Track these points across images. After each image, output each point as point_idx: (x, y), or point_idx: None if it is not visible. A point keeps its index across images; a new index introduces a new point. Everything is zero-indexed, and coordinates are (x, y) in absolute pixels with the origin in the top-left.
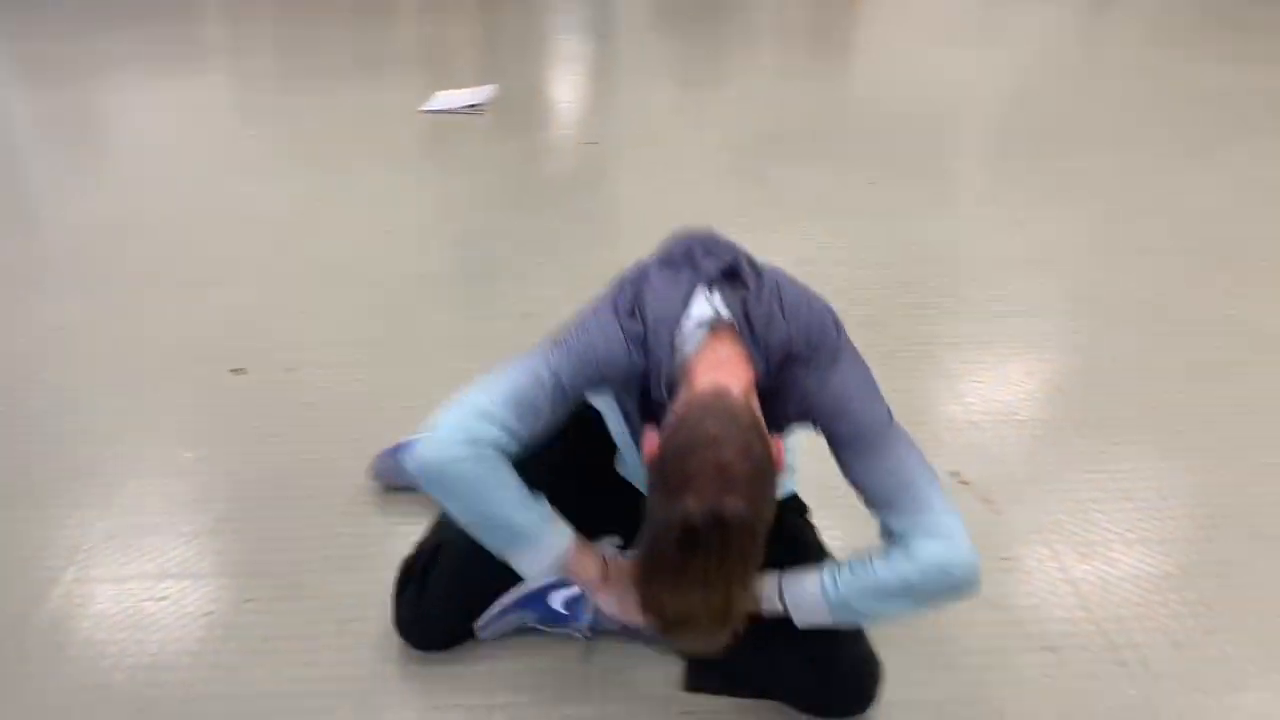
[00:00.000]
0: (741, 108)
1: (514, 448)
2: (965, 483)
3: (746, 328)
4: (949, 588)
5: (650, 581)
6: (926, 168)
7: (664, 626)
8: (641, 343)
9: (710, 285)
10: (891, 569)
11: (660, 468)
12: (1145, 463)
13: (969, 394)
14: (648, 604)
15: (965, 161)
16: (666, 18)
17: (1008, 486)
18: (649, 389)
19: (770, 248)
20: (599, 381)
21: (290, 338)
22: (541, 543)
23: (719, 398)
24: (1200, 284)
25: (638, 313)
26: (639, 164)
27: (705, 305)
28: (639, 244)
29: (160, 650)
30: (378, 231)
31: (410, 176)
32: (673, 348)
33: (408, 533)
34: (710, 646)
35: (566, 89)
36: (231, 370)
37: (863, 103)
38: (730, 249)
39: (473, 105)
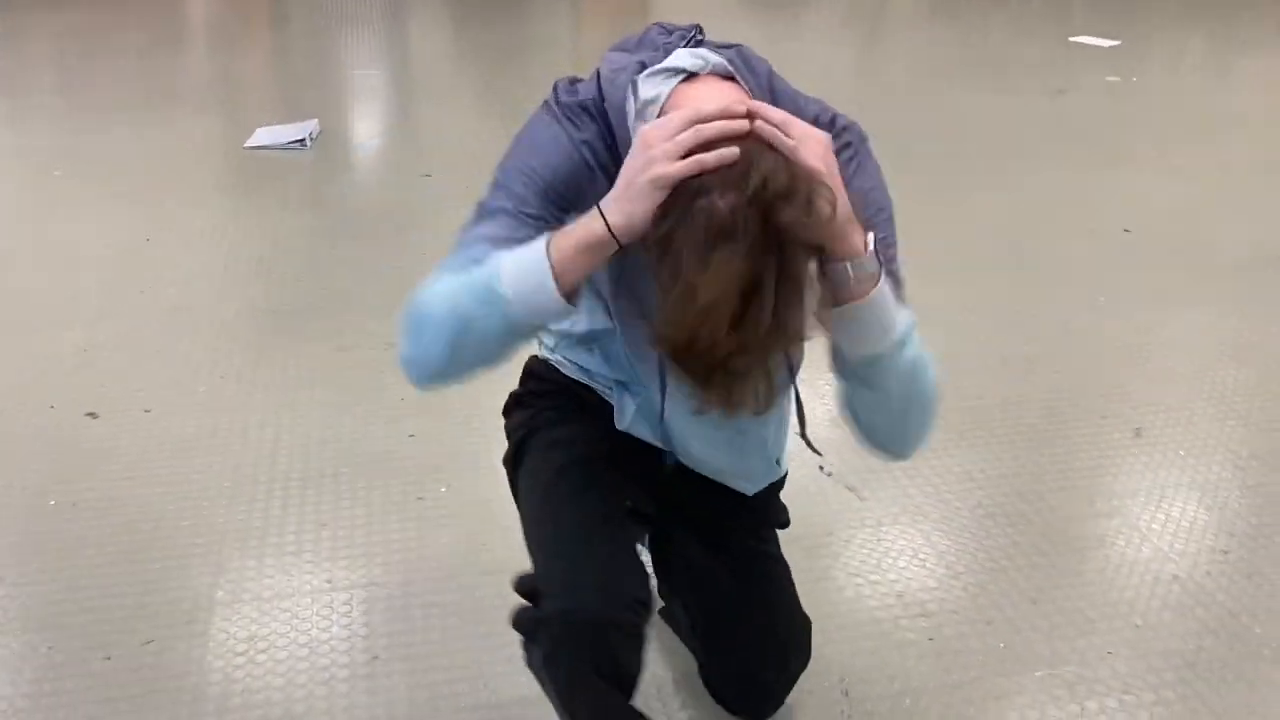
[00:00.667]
0: None
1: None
2: (829, 474)
3: (747, 72)
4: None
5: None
6: None
7: (675, 332)
8: (596, 137)
9: (685, 43)
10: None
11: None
12: (984, 449)
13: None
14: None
15: None
16: (466, 52)
17: (869, 476)
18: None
19: None
20: (553, 201)
21: (142, 380)
22: (517, 264)
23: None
24: (1001, 289)
25: (583, 106)
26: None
27: (684, 57)
28: None
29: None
30: (215, 268)
31: (242, 213)
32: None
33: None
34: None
35: (389, 120)
36: (87, 414)
37: None
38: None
39: (297, 140)
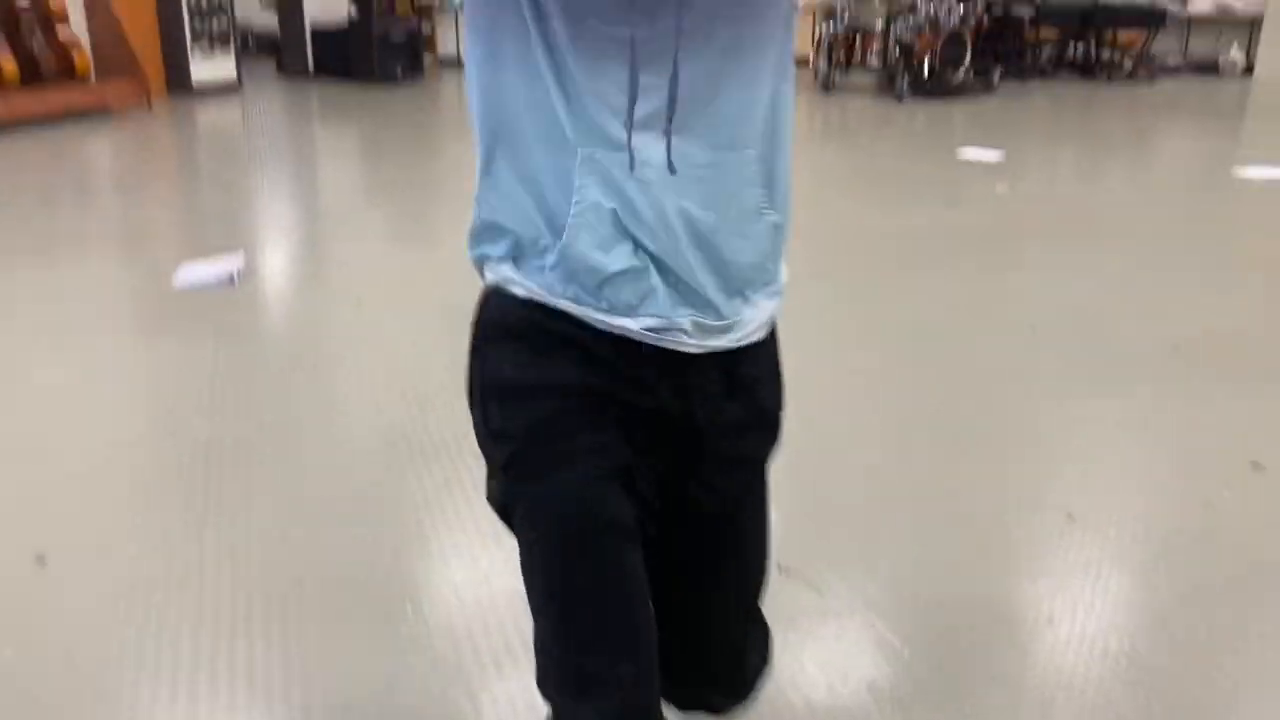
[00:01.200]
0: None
1: None
2: (786, 571)
3: None
4: None
5: None
6: None
7: None
8: None
9: None
10: None
11: None
12: (931, 540)
13: None
14: None
15: None
16: (377, 185)
17: (826, 570)
18: None
19: None
20: None
21: (95, 520)
22: None
23: None
24: (926, 388)
25: None
26: (409, 320)
27: None
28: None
29: None
30: (160, 409)
31: (177, 349)
32: None
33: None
34: None
35: (312, 252)
36: (35, 556)
37: None
38: None
39: (227, 275)
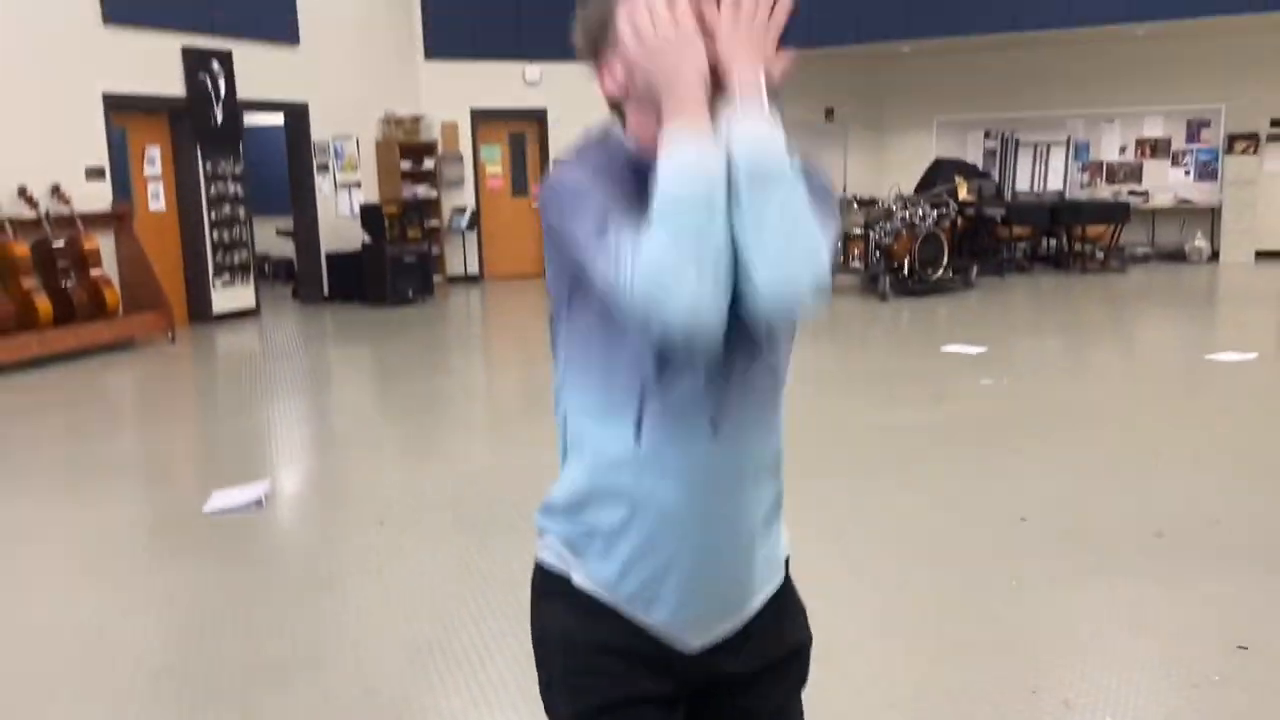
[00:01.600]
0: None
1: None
2: None
3: None
4: (811, 258)
5: None
6: None
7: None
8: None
9: None
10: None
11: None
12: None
13: None
14: None
15: None
16: (391, 404)
17: None
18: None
19: None
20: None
21: None
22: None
23: None
24: (921, 580)
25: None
26: (430, 538)
27: None
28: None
29: None
30: (194, 631)
31: (211, 574)
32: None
33: None
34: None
35: (334, 474)
36: None
37: None
38: None
39: (254, 500)
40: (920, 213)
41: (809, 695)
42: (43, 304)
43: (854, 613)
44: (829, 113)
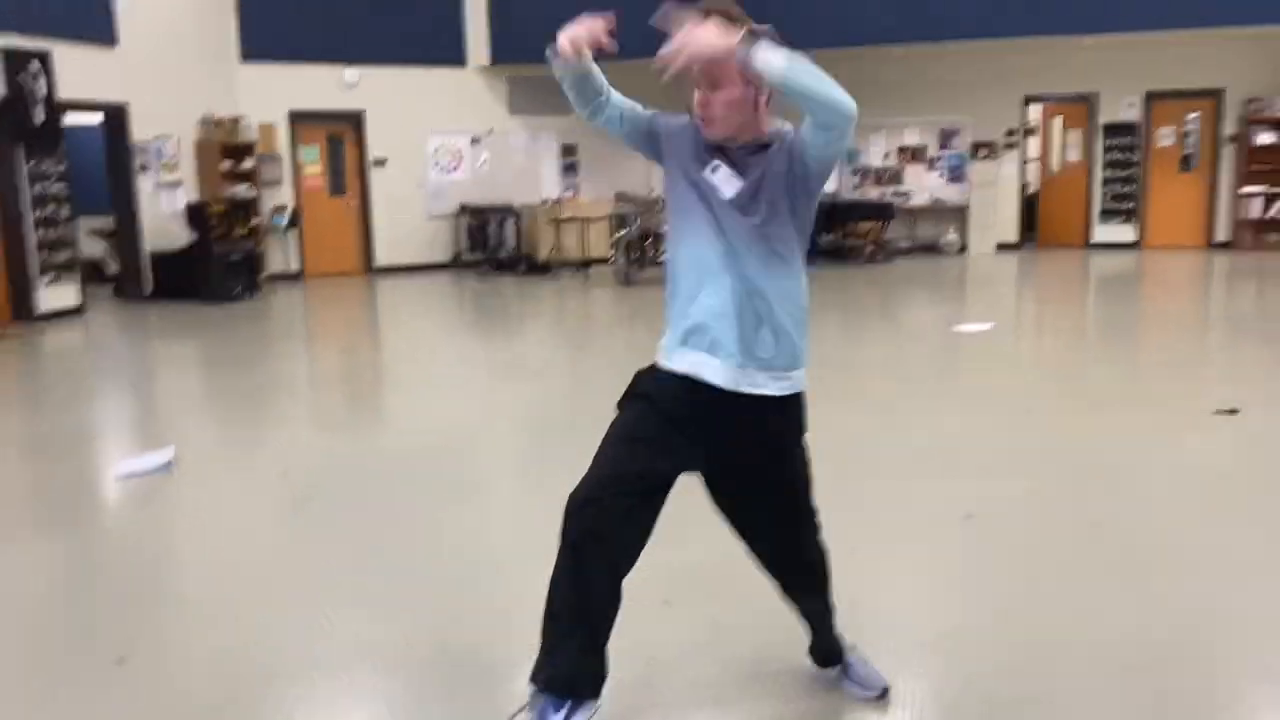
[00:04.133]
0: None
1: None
2: None
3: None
4: (843, 107)
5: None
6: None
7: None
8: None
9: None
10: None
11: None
12: None
13: None
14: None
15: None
16: (224, 389)
17: None
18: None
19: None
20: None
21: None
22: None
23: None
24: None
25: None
26: (337, 490)
27: None
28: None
29: None
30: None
31: (149, 525)
32: None
33: None
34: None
35: (238, 440)
36: None
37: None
38: None
39: (163, 465)
40: None
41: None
42: None
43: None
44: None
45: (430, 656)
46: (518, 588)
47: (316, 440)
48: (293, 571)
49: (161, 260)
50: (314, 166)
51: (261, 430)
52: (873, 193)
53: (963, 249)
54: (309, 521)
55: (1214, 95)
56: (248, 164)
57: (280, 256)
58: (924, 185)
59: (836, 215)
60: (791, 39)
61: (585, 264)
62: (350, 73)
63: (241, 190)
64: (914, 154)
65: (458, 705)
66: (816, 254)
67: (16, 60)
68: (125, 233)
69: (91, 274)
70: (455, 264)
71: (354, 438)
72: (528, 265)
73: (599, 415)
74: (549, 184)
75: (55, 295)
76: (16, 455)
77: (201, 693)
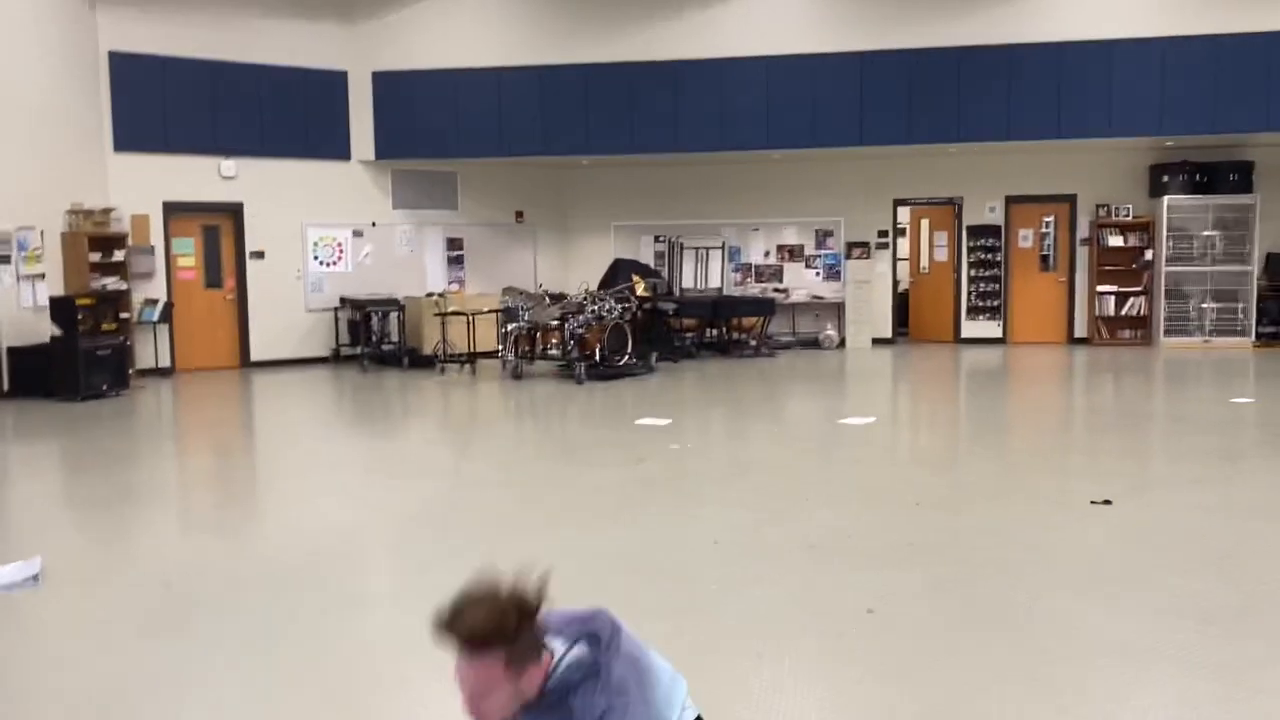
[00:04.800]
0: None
1: None
2: None
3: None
4: None
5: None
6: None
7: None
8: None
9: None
10: None
11: None
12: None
13: None
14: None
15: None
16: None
17: None
18: None
19: None
20: None
21: None
22: None
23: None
24: (648, 590)
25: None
26: (213, 600)
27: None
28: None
29: None
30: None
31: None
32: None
33: None
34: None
35: (108, 549)
36: None
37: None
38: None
39: (30, 577)
40: (607, 306)
41: None
42: None
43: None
44: (519, 215)
45: None
46: (399, 703)
47: (191, 546)
48: (170, 688)
49: (21, 355)
50: (188, 258)
51: (132, 537)
52: (754, 288)
53: (841, 343)
54: (185, 634)
55: (1068, 200)
56: (118, 256)
57: (150, 351)
58: (803, 282)
59: (720, 310)
60: (685, 145)
61: (472, 358)
62: (228, 164)
63: (111, 283)
64: (792, 252)
65: None
66: (701, 347)
67: None
68: None
69: None
70: (334, 358)
71: (231, 543)
72: (411, 359)
73: (482, 513)
74: (434, 277)
75: None
76: None
77: None
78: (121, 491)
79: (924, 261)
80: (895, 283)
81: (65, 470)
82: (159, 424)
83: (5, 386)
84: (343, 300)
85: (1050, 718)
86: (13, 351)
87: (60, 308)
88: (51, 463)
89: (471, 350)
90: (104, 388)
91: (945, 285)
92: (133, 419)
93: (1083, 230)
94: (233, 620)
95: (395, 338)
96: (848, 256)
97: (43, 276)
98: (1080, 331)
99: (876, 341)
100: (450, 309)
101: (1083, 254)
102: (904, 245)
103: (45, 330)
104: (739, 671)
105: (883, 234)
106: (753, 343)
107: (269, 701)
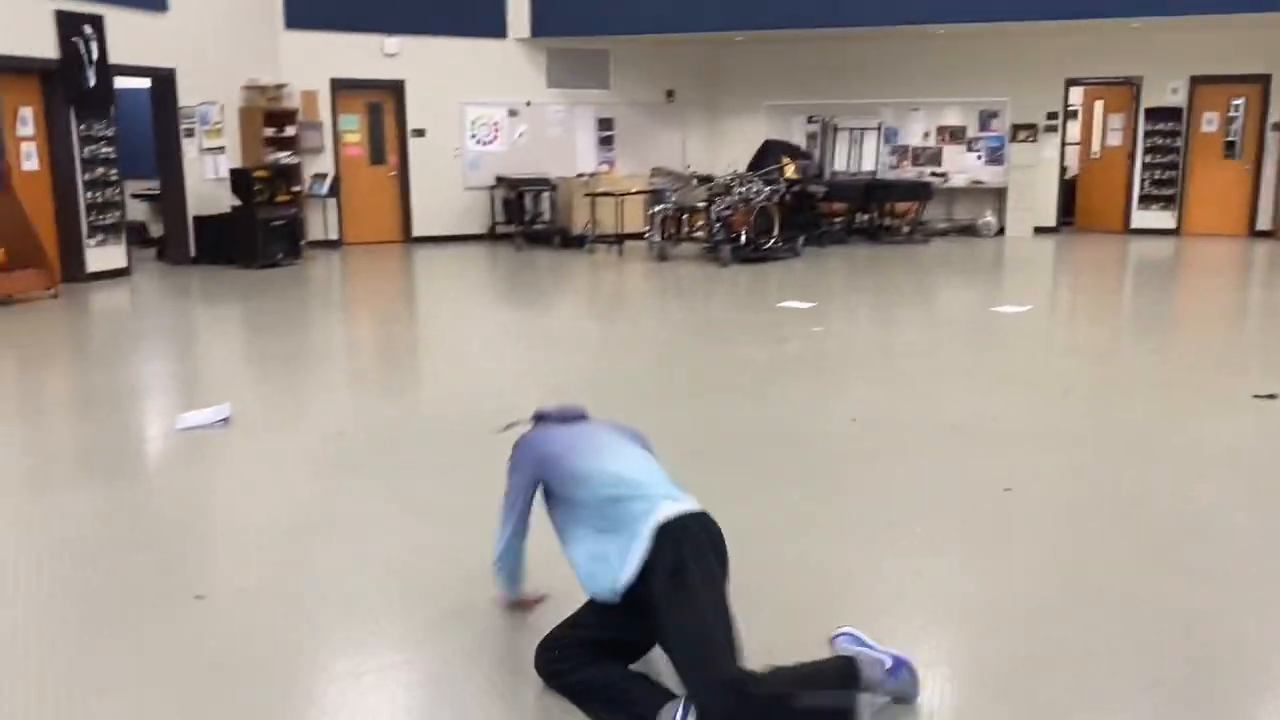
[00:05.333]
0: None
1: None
2: None
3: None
4: None
5: None
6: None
7: None
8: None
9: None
10: None
11: None
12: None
13: None
14: None
15: None
16: (287, 352)
17: None
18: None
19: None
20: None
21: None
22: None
23: None
24: (780, 468)
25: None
26: (373, 438)
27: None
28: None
29: None
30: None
31: (207, 478)
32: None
33: None
34: None
35: (286, 400)
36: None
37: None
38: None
39: (221, 420)
40: (755, 188)
41: None
42: None
43: (725, 478)
44: (669, 94)
45: (467, 575)
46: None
47: (360, 402)
48: (344, 513)
49: (204, 225)
50: (354, 135)
51: (307, 391)
52: (910, 172)
53: (1000, 231)
54: (359, 474)
55: (1261, 81)
56: (290, 131)
57: (320, 223)
58: (962, 166)
59: (873, 194)
60: (845, 19)
61: (619, 239)
62: (391, 42)
63: (284, 157)
64: (953, 134)
65: (482, 622)
66: (851, 233)
67: (70, 23)
68: (170, 197)
69: (135, 237)
70: (490, 236)
71: (396, 399)
72: (563, 238)
73: (627, 383)
74: (585, 157)
75: (103, 257)
76: (78, 408)
77: (275, 625)
78: (297, 351)
79: (1095, 146)
80: (1063, 168)
81: (247, 330)
82: (329, 292)
83: (192, 253)
84: (498, 179)
85: (1178, 597)
86: (198, 220)
87: (239, 180)
88: (234, 324)
89: (619, 231)
90: (279, 257)
91: (1117, 172)
92: (306, 287)
93: (1276, 115)
94: (401, 464)
95: (547, 217)
96: (1013, 140)
97: (222, 150)
98: (1263, 224)
99: (1039, 230)
100: (600, 189)
101: (1273, 141)
102: (1074, 129)
103: (226, 201)
104: (868, 538)
105: (1052, 116)
106: (905, 229)
107: (439, 528)
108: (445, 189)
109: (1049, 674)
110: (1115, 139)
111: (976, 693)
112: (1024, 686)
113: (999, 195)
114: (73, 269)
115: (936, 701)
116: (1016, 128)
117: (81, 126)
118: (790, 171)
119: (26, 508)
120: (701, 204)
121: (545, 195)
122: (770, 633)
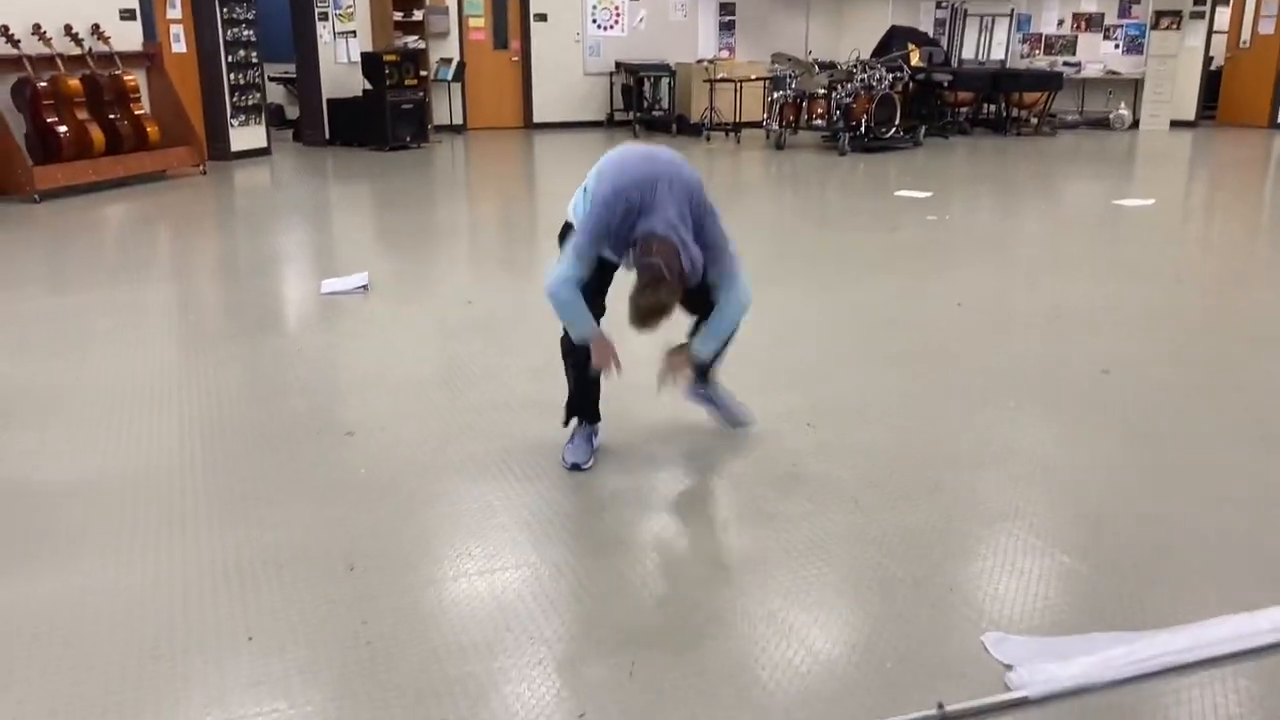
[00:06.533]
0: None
1: (582, 282)
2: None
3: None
4: (743, 309)
5: (635, 297)
6: None
7: (639, 317)
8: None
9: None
10: (717, 321)
11: (638, 261)
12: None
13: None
14: (633, 311)
15: None
16: (418, 227)
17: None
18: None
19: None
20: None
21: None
22: (590, 331)
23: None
24: (888, 345)
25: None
26: (507, 312)
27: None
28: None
29: None
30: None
31: (364, 329)
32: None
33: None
34: (657, 326)
35: (419, 271)
36: (347, 433)
37: None
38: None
39: (360, 286)
40: (877, 76)
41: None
42: (96, 134)
43: (828, 353)
44: None
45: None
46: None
47: (486, 274)
48: (471, 369)
49: (337, 106)
50: (478, 19)
51: (437, 263)
52: (1042, 62)
53: (1134, 124)
54: (484, 338)
55: None
56: (417, 15)
57: (445, 108)
58: (1098, 55)
59: (1000, 84)
60: None
61: (737, 126)
62: None
63: (411, 41)
64: (1089, 21)
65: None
66: (975, 123)
67: None
68: (306, 80)
69: (274, 118)
70: (608, 122)
71: (520, 273)
72: (680, 125)
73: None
74: (705, 43)
75: (244, 137)
76: (230, 272)
77: (413, 457)
78: (427, 227)
79: (1245, 35)
80: (1208, 59)
81: (380, 207)
82: (455, 173)
83: (327, 134)
84: (618, 65)
85: (1272, 470)
86: (331, 103)
87: (369, 63)
88: (367, 201)
89: (737, 119)
90: (407, 139)
91: (1268, 63)
92: (433, 168)
93: None
94: (526, 331)
95: (666, 104)
96: (1154, 27)
97: (354, 34)
98: None
99: (1176, 124)
100: (719, 76)
101: None
102: (1223, 15)
103: (357, 84)
104: (966, 412)
105: (1199, 1)
106: (1033, 120)
107: (559, 389)
108: (565, 74)
109: (1127, 535)
110: (1267, 27)
111: (1052, 544)
112: (1099, 543)
113: (1135, 86)
114: (218, 147)
115: (1005, 557)
116: (1159, 14)
117: (224, 10)
118: (915, 59)
119: (195, 356)
120: (821, 91)
121: (664, 81)
122: (870, 476)
